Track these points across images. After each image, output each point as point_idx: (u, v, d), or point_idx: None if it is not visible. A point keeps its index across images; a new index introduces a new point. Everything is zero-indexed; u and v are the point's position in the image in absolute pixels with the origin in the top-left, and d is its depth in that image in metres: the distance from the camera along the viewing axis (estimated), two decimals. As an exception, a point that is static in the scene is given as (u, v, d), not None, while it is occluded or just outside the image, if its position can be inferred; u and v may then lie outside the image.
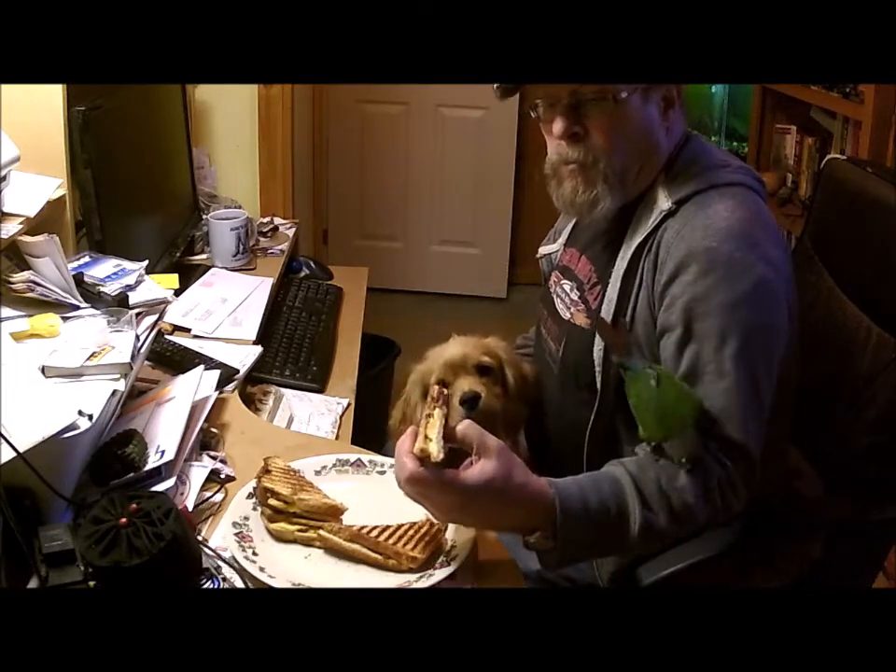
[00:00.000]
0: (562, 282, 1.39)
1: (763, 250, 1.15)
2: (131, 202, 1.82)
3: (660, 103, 1.23)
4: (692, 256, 1.14)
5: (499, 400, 1.33)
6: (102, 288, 1.36)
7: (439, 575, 1.04)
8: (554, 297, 1.40)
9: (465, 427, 1.02)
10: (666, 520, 1.07)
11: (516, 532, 1.07)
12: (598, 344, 1.23)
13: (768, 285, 1.14)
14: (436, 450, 0.98)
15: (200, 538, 1.10)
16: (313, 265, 2.47)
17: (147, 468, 1.16)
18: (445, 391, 1.06)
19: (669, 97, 1.23)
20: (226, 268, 2.19)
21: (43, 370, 1.14)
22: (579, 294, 1.33)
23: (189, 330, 1.82)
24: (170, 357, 1.64)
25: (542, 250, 1.51)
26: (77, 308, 1.32)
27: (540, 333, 1.43)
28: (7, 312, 1.27)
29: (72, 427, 1.00)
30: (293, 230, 2.55)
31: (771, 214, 1.22)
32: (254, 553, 1.06)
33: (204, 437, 1.33)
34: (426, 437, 1.00)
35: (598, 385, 1.23)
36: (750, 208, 1.18)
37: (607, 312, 1.23)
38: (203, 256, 2.26)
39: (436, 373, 1.35)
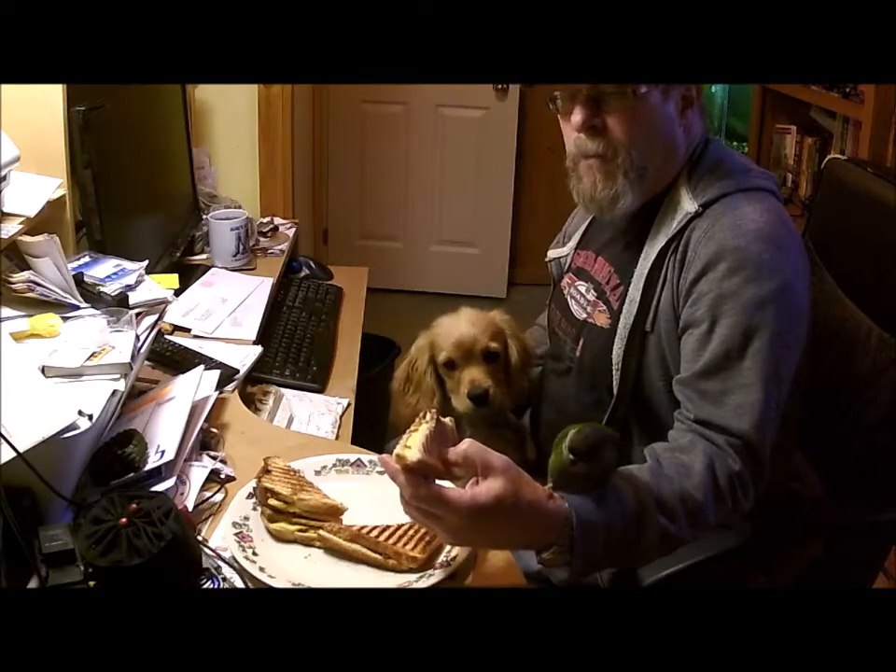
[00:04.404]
0: (576, 283, 1.39)
1: (789, 255, 1.17)
2: (131, 202, 1.82)
3: (679, 102, 1.23)
4: (721, 254, 1.15)
5: (503, 388, 1.42)
6: (102, 288, 1.36)
7: (439, 575, 1.04)
8: (568, 298, 1.40)
9: (467, 446, 0.98)
10: (682, 523, 1.06)
11: (530, 549, 1.04)
12: (618, 345, 1.23)
13: (793, 289, 1.16)
14: (410, 454, 0.95)
15: (200, 538, 1.10)
16: (313, 265, 2.47)
17: (147, 468, 1.15)
18: (437, 414, 1.03)
19: (688, 97, 1.24)
20: (226, 268, 2.19)
21: (43, 370, 1.14)
22: (596, 295, 1.33)
23: (189, 330, 1.82)
24: (170, 357, 1.64)
25: (551, 254, 1.51)
26: (77, 308, 1.32)
27: (556, 334, 1.43)
28: (7, 312, 1.27)
29: (72, 427, 1.00)
30: (293, 230, 2.55)
31: (793, 221, 1.23)
32: (254, 553, 1.06)
33: (204, 437, 1.33)
34: (405, 445, 0.97)
35: (615, 385, 1.23)
36: (777, 214, 1.20)
37: (629, 311, 1.23)
38: (203, 256, 2.27)
39: (445, 352, 1.43)
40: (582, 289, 1.37)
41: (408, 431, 1.00)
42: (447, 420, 1.04)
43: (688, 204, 1.21)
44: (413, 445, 0.97)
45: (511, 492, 0.96)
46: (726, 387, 1.12)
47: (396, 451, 0.97)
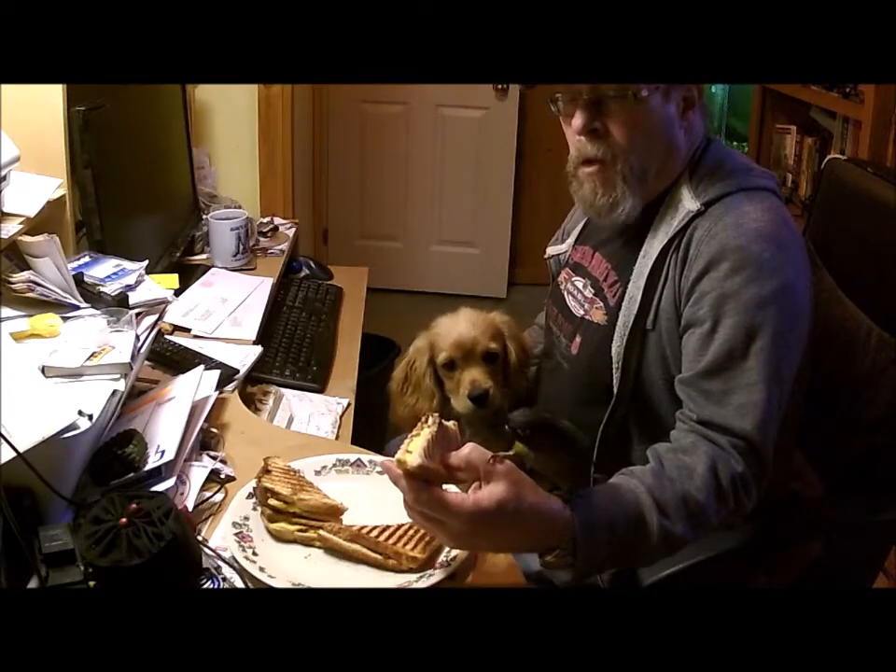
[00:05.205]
0: (573, 279, 1.39)
1: (790, 255, 1.17)
2: (131, 202, 1.82)
3: (680, 103, 1.23)
4: (723, 253, 1.15)
5: (502, 389, 1.43)
6: (102, 288, 1.36)
7: (439, 575, 1.04)
8: (565, 294, 1.40)
9: (469, 450, 0.98)
10: (684, 525, 1.06)
11: (532, 552, 1.04)
12: (617, 342, 1.23)
13: (794, 289, 1.16)
14: (411, 459, 0.95)
15: (200, 538, 1.10)
16: (313, 265, 2.47)
17: (147, 468, 1.16)
18: (439, 419, 1.02)
19: (690, 98, 1.24)
20: (226, 268, 2.19)
21: (43, 370, 1.14)
22: (594, 291, 1.33)
23: (189, 330, 1.82)
24: (170, 357, 1.64)
25: (550, 250, 1.51)
26: (77, 308, 1.32)
27: (551, 331, 1.43)
28: (6, 312, 1.27)
29: (72, 427, 1.00)
30: (293, 230, 2.55)
31: (794, 220, 1.23)
32: (254, 553, 1.06)
33: (204, 437, 1.33)
34: (407, 450, 0.97)
35: (615, 384, 1.23)
36: (779, 213, 1.19)
37: (629, 309, 1.23)
38: (203, 256, 2.27)
39: (445, 353, 1.43)
40: (580, 285, 1.37)
41: (409, 436, 1.00)
42: (450, 424, 1.03)
43: (689, 203, 1.21)
44: (414, 450, 0.96)
45: (513, 496, 0.96)
46: (729, 387, 1.12)
47: (397, 456, 0.97)
